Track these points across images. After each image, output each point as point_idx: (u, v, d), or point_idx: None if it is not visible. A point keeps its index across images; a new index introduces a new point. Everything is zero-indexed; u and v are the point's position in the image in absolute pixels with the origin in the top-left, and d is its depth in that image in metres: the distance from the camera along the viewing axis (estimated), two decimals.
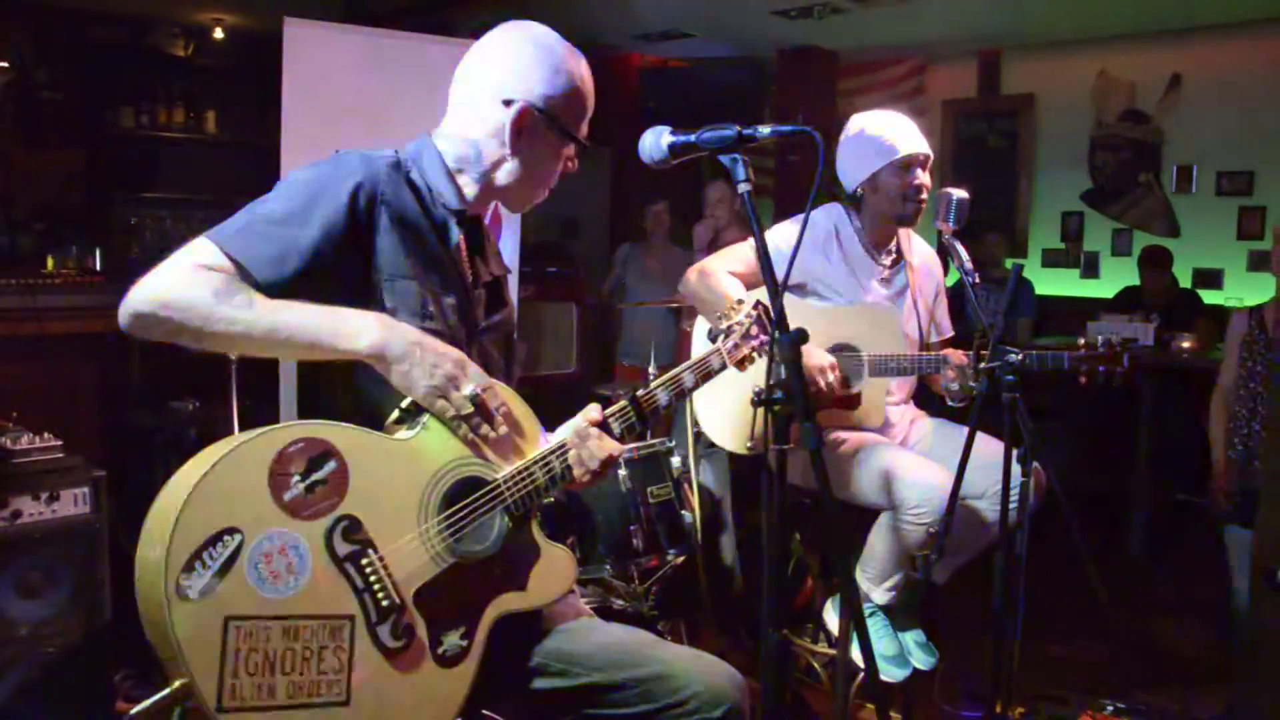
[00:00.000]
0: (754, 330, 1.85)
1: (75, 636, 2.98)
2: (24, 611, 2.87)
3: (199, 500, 1.30)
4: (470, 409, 1.52)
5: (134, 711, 1.26)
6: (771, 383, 1.41)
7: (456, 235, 1.70)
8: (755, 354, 1.84)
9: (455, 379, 1.52)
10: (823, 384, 2.46)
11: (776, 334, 1.38)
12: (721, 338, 1.85)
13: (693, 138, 1.53)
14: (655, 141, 1.56)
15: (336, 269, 1.54)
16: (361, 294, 1.57)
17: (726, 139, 1.49)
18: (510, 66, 1.67)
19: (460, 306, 1.70)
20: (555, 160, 1.73)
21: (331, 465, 1.41)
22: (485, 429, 1.55)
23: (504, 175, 1.71)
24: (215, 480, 1.32)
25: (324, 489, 1.40)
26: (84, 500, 3.00)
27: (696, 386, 1.82)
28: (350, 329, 1.48)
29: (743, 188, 1.47)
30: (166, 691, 1.27)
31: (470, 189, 1.72)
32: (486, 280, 1.81)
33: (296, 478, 1.38)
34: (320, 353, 1.48)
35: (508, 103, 1.65)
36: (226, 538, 1.31)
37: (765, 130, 1.47)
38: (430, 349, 1.51)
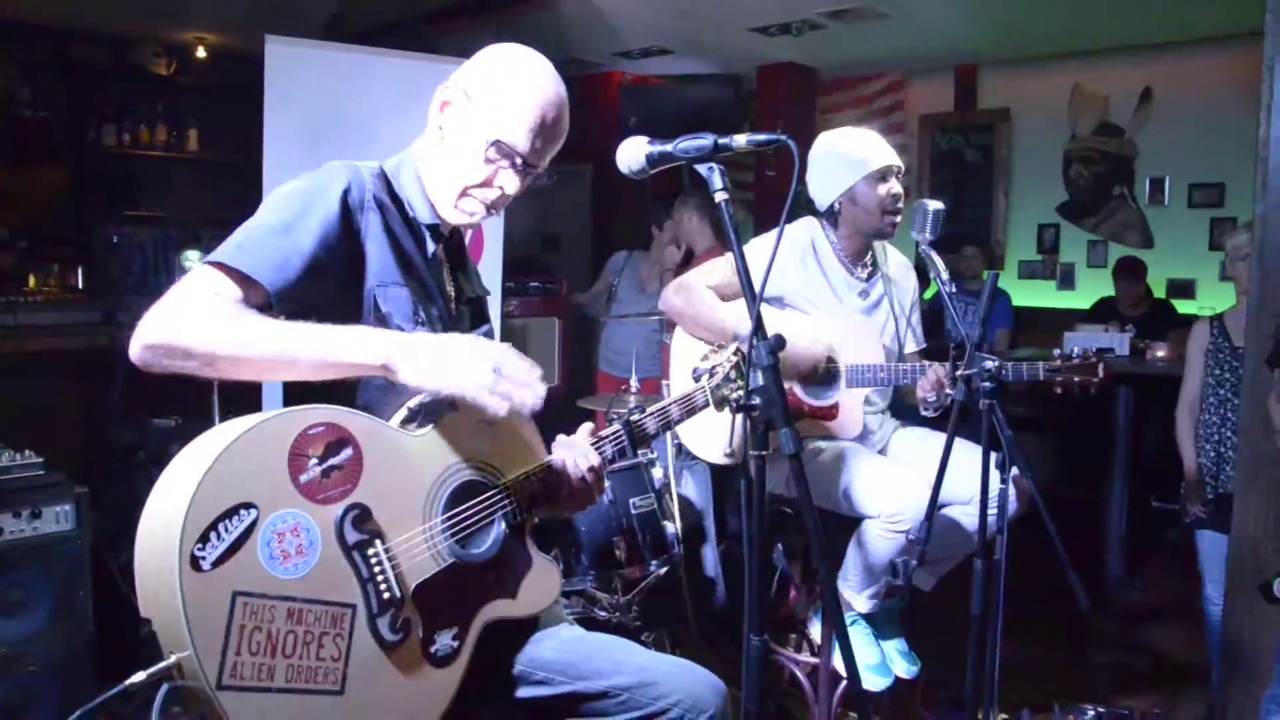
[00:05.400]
0: (733, 374, 1.90)
1: (57, 655, 2.97)
2: (4, 630, 2.85)
3: (221, 471, 1.29)
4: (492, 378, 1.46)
5: (129, 682, 1.25)
6: (750, 389, 1.42)
7: (433, 248, 1.72)
8: (732, 400, 1.88)
9: (470, 356, 1.47)
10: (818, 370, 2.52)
11: (754, 341, 1.40)
12: (706, 376, 1.89)
13: (670, 148, 1.53)
14: (633, 152, 1.57)
15: (334, 273, 1.56)
16: (356, 300, 1.59)
17: (703, 149, 1.50)
18: (459, 72, 1.69)
19: (443, 318, 1.71)
20: (477, 156, 1.64)
21: (348, 452, 1.41)
22: (514, 391, 1.48)
23: (431, 163, 1.70)
24: (238, 452, 1.31)
25: (339, 475, 1.40)
26: (66, 518, 2.99)
27: (681, 420, 1.87)
28: (358, 341, 1.45)
29: (719, 196, 1.48)
30: (163, 665, 1.26)
31: (433, 200, 1.72)
32: (470, 298, 1.83)
33: (314, 460, 1.38)
34: (329, 370, 1.46)
35: (445, 104, 1.68)
36: (243, 512, 1.30)
37: (741, 140, 1.48)
38: (434, 341, 1.48)
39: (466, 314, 1.81)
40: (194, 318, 1.41)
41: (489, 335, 1.87)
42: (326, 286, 1.54)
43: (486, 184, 1.67)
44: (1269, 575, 2.50)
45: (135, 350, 1.41)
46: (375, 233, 1.62)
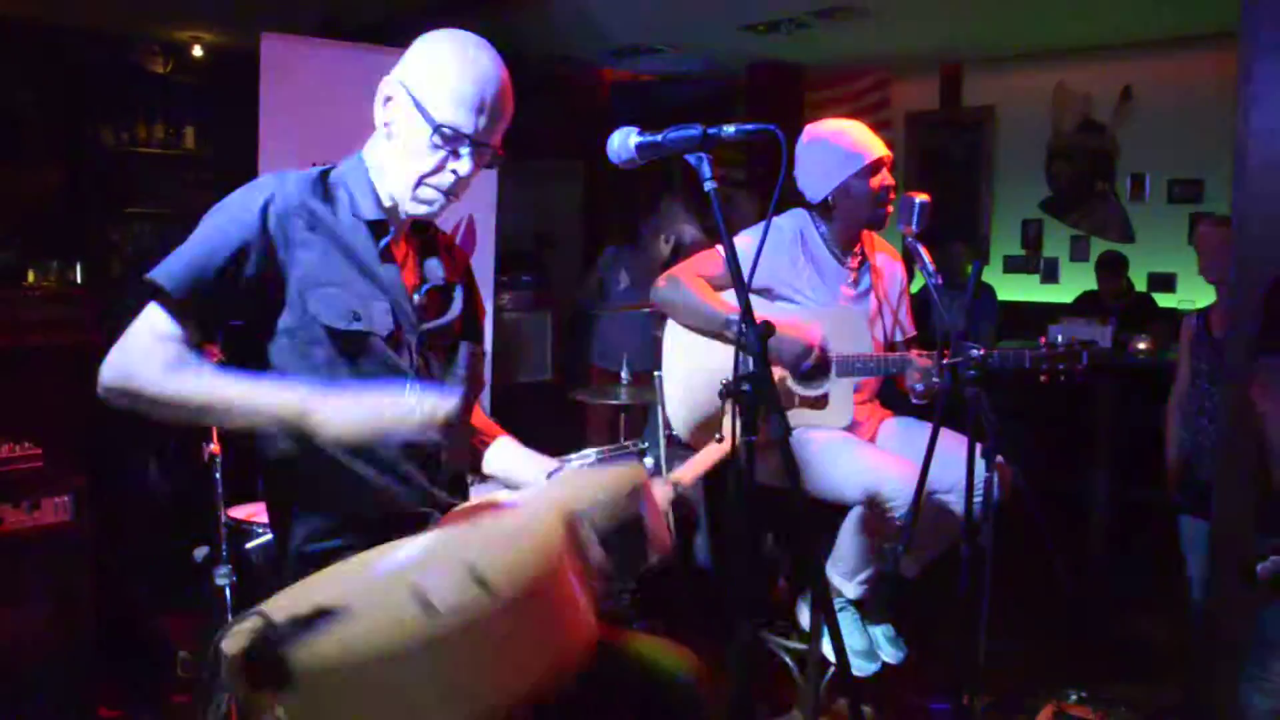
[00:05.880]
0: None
1: (57, 645, 2.98)
2: (4, 620, 2.88)
3: None
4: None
5: None
6: (739, 374, 1.45)
7: (383, 243, 1.72)
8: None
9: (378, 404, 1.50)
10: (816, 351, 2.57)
11: (743, 327, 1.43)
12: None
13: (659, 138, 1.55)
14: (623, 142, 1.58)
15: (258, 281, 1.60)
16: (283, 306, 1.62)
17: (692, 139, 1.51)
18: (397, 66, 1.70)
19: (394, 312, 1.70)
20: (424, 145, 1.64)
21: None
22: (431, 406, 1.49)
23: (383, 160, 1.71)
24: None
25: None
26: (65, 509, 3.01)
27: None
28: (283, 396, 1.50)
29: (708, 185, 1.49)
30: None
31: (385, 196, 1.73)
32: (435, 286, 1.81)
33: None
34: (259, 419, 1.51)
35: (387, 99, 1.69)
36: None
37: (730, 129, 1.49)
38: (346, 404, 1.49)
39: (424, 303, 1.78)
40: (143, 365, 1.50)
41: (454, 324, 1.84)
42: (251, 295, 1.59)
43: (439, 170, 1.66)
44: (1250, 560, 2.54)
45: (99, 388, 1.52)
46: (304, 237, 1.64)
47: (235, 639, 1.17)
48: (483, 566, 1.21)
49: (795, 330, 2.59)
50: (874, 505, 2.50)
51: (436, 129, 1.62)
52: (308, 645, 1.12)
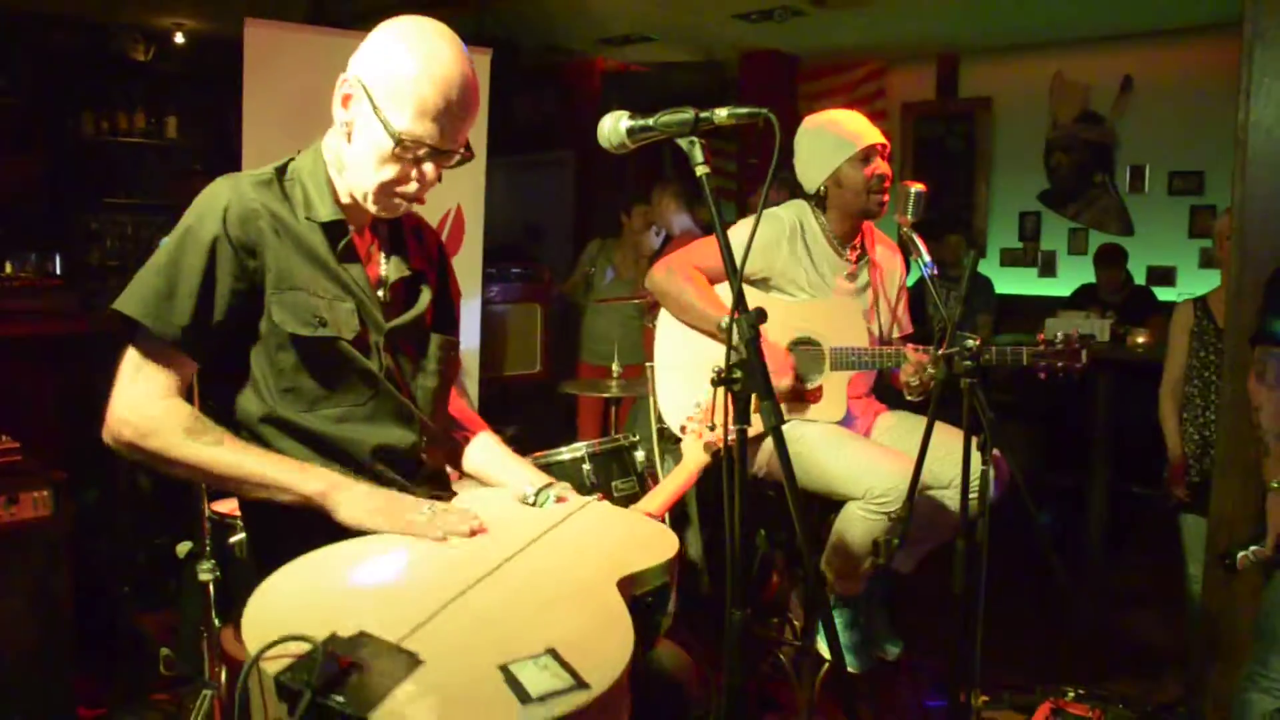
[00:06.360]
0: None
1: (35, 642, 2.94)
2: None
3: None
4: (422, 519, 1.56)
5: None
6: (731, 363, 1.41)
7: (342, 244, 1.66)
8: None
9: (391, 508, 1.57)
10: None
11: (736, 314, 1.39)
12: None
13: (650, 121, 1.52)
14: (614, 126, 1.55)
15: (239, 295, 1.57)
16: (262, 312, 1.60)
17: (684, 123, 1.49)
18: (355, 61, 1.62)
19: (360, 312, 1.66)
20: (386, 156, 1.58)
21: None
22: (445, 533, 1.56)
23: (343, 160, 1.65)
24: None
25: None
26: (44, 503, 2.96)
27: None
28: (303, 476, 1.55)
29: (700, 170, 1.46)
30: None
31: (345, 193, 1.68)
32: (400, 279, 1.75)
33: None
34: (273, 493, 1.55)
35: (346, 98, 1.62)
36: None
37: (722, 113, 1.47)
38: (371, 492, 1.58)
39: (388, 299, 1.74)
40: (162, 427, 1.52)
41: (421, 318, 1.79)
42: (236, 311, 1.57)
43: (403, 180, 1.61)
44: (1232, 548, 2.52)
45: (109, 438, 1.54)
46: (268, 241, 1.60)
47: (292, 665, 1.11)
48: (576, 656, 1.18)
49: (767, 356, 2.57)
50: (870, 499, 2.48)
51: (398, 141, 1.56)
52: (384, 696, 1.08)
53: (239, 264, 1.57)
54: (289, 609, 1.27)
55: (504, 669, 1.13)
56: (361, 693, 1.07)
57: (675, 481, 2.12)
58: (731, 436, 1.40)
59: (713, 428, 2.25)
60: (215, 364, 1.62)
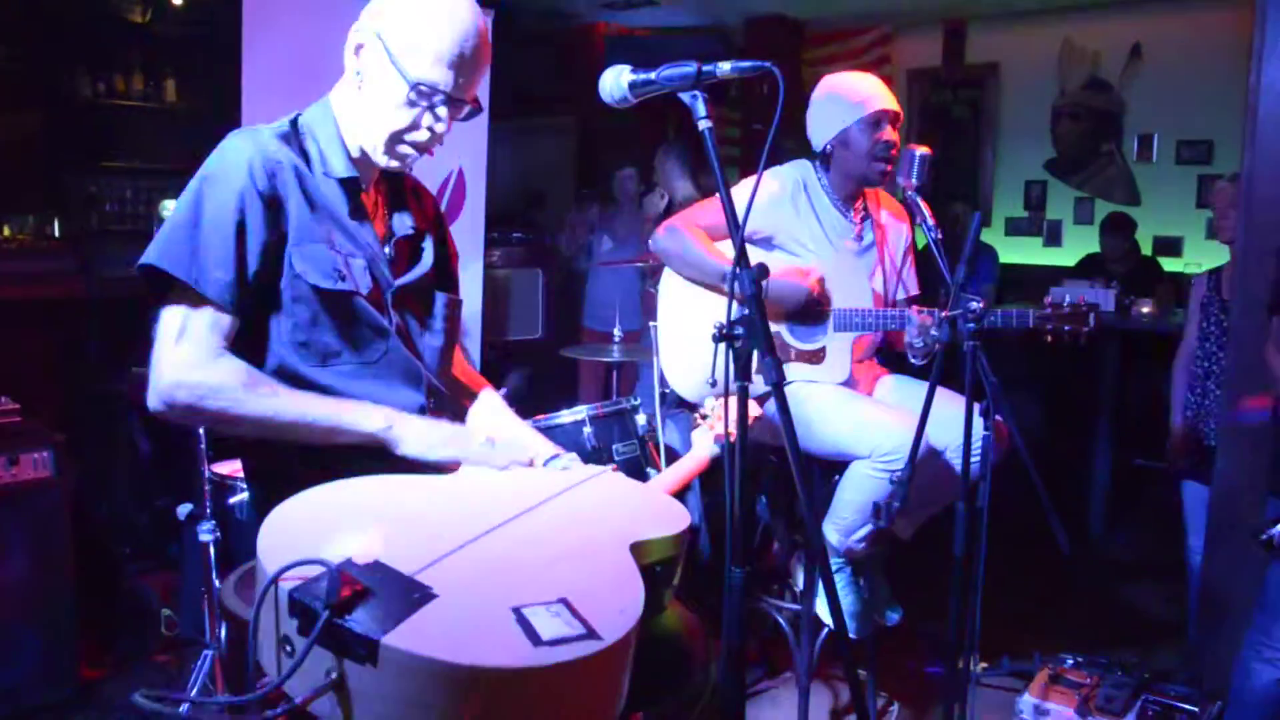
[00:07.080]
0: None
1: (37, 604, 2.96)
2: None
3: None
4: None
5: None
6: (733, 319, 1.40)
7: (354, 198, 1.68)
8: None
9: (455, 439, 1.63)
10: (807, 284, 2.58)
11: (738, 269, 1.37)
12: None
13: (653, 75, 1.50)
14: (615, 80, 1.53)
15: (270, 247, 1.56)
16: (282, 267, 1.59)
17: (687, 76, 1.47)
18: (368, 11, 1.63)
19: (371, 268, 1.67)
20: (399, 102, 1.60)
21: None
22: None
23: (353, 111, 1.66)
24: None
25: None
26: (44, 464, 2.97)
27: None
28: (365, 413, 1.57)
29: (703, 124, 1.44)
30: None
31: (354, 147, 1.68)
32: (404, 236, 1.77)
33: None
34: (341, 436, 1.55)
35: (359, 47, 1.62)
36: None
37: (725, 66, 1.45)
38: (432, 424, 1.63)
39: (392, 255, 1.75)
40: (221, 386, 1.49)
41: (428, 276, 1.80)
42: (269, 262, 1.56)
43: (414, 128, 1.63)
44: (1260, 525, 2.47)
45: (159, 404, 1.50)
46: (290, 194, 1.59)
47: (309, 582, 1.11)
48: (587, 607, 1.18)
49: (792, 275, 2.57)
50: (877, 457, 2.47)
51: (414, 86, 1.58)
52: (399, 621, 1.08)
53: (268, 216, 1.56)
54: (303, 533, 1.27)
55: (516, 610, 1.14)
56: (376, 617, 1.07)
57: (681, 469, 2.11)
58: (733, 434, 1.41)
59: (713, 383, 2.25)
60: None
